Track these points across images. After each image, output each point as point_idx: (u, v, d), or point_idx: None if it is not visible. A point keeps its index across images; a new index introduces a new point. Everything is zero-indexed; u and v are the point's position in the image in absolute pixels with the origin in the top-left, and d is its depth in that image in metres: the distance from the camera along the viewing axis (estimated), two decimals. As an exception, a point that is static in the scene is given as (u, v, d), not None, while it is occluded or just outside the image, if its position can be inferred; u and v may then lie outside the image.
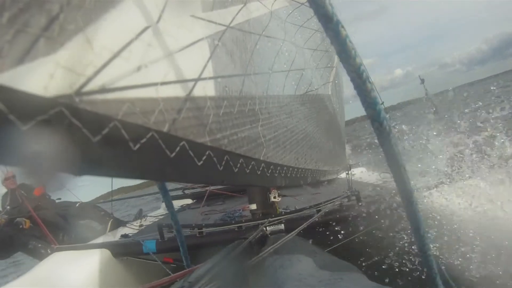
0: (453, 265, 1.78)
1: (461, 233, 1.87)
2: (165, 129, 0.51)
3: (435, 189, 2.32)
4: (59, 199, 4.85)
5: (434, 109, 3.16)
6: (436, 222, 1.99)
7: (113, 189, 3.95)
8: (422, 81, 3.16)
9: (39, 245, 4.15)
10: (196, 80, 0.60)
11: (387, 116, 0.62)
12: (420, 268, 2.23)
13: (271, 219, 2.24)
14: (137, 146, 0.47)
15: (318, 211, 2.25)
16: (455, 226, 1.93)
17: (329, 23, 0.50)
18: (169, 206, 1.60)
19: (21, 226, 4.21)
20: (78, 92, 0.39)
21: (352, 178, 2.95)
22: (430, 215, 2.04)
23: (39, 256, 3.95)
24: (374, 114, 0.60)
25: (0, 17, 0.32)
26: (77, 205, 4.71)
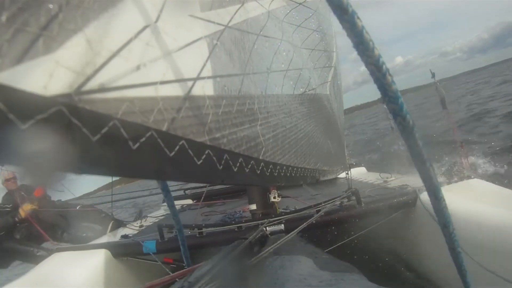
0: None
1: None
2: (164, 128, 0.52)
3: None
4: (60, 200, 4.85)
5: (441, 103, 3.13)
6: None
7: (114, 179, 3.90)
8: (433, 75, 3.12)
9: (33, 249, 4.13)
10: (195, 80, 0.60)
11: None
12: (420, 270, 2.23)
13: (271, 219, 2.24)
14: (137, 145, 0.47)
15: (318, 211, 2.24)
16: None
17: (345, 14, 0.48)
18: (171, 206, 1.60)
19: (16, 219, 4.20)
20: (78, 91, 0.39)
21: (352, 178, 2.95)
22: None
23: (36, 260, 3.93)
24: (397, 109, 0.57)
25: (0, 16, 0.32)
26: (77, 207, 4.71)
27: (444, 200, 0.72)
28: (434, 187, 0.69)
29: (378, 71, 0.54)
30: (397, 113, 0.58)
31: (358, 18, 0.49)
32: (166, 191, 1.52)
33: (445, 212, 0.73)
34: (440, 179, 2.67)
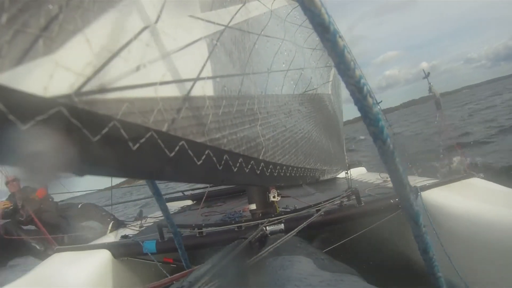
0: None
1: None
2: (164, 129, 0.52)
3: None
4: (62, 201, 4.87)
5: (436, 104, 3.14)
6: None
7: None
8: (427, 75, 3.08)
9: (37, 246, 4.17)
10: (195, 80, 0.60)
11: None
12: (419, 270, 2.23)
13: (270, 219, 2.24)
14: (137, 145, 0.47)
15: (318, 210, 2.25)
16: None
17: (326, 33, 0.47)
18: (163, 209, 1.59)
19: (21, 218, 4.25)
20: (77, 92, 0.39)
21: (352, 178, 2.95)
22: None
23: (39, 256, 3.96)
24: (377, 132, 0.56)
25: (0, 18, 0.32)
26: (79, 206, 4.73)
27: (424, 226, 0.71)
28: (414, 213, 0.68)
29: (358, 92, 0.52)
30: (377, 136, 0.57)
31: (340, 37, 0.48)
32: (157, 194, 1.51)
33: (425, 238, 0.72)
34: (441, 177, 2.67)
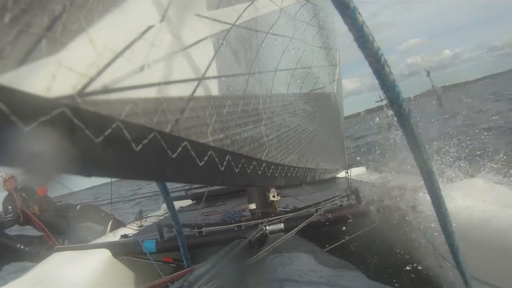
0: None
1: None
2: (167, 130, 0.51)
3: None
4: (60, 201, 4.84)
5: (437, 101, 3.16)
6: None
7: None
8: (428, 73, 3.13)
9: (27, 248, 4.12)
10: (199, 80, 0.60)
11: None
12: (419, 269, 2.24)
13: (270, 219, 2.24)
14: (140, 146, 0.46)
15: (318, 210, 2.25)
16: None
17: (347, 10, 0.51)
18: (170, 207, 1.59)
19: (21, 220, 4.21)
20: (81, 93, 0.38)
21: (352, 177, 2.95)
22: None
23: (33, 259, 3.91)
24: (393, 96, 0.62)
25: (2, 17, 0.32)
26: (78, 207, 4.70)
27: (437, 182, 0.76)
28: (428, 170, 0.73)
29: (377, 62, 0.58)
30: (394, 101, 0.63)
31: (359, 13, 0.53)
32: (165, 192, 1.51)
33: (438, 193, 0.77)
34: (442, 178, 2.67)
